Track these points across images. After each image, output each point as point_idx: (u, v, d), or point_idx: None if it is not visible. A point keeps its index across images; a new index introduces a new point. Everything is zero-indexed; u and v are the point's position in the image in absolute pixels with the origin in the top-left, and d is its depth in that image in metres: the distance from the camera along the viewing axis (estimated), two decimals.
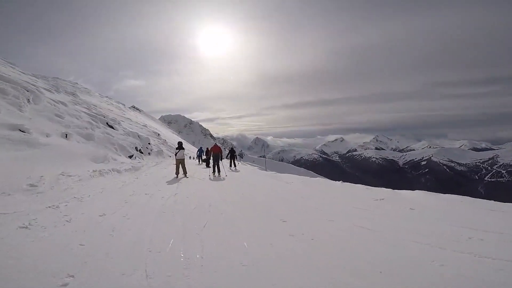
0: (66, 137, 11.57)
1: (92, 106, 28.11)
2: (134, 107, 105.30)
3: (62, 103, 16.12)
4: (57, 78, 60.63)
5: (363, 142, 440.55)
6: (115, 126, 20.37)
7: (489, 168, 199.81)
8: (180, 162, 10.88)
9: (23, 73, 17.99)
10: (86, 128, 14.61)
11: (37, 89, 14.45)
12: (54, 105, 14.39)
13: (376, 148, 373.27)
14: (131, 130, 23.64)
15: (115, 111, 48.96)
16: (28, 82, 14.67)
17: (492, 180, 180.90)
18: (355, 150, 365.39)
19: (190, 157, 32.46)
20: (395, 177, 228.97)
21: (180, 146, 11.27)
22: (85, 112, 17.91)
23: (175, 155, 11.00)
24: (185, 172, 10.89)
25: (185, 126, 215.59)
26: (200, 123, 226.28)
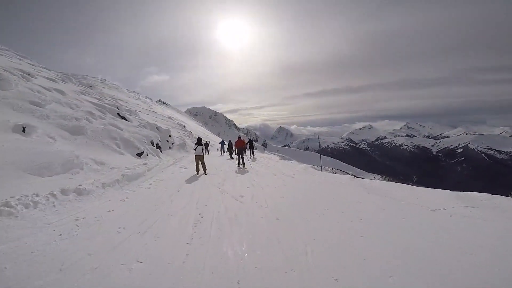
0: (24, 130, 8.51)
1: (107, 96, 27.01)
2: (161, 101, 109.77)
3: (59, 91, 14.78)
4: (87, 75, 62.19)
5: (393, 129, 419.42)
6: (129, 117, 18.34)
7: None
8: (200, 159, 10.60)
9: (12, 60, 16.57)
10: (77, 119, 12.11)
11: (11, 74, 12.75)
12: (37, 92, 12.59)
13: (407, 136, 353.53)
14: (149, 121, 21.23)
15: (143, 105, 51.22)
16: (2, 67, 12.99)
17: None
18: (385, 138, 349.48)
19: (217, 149, 32.66)
20: (428, 165, 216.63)
21: (199, 142, 11.13)
22: (91, 102, 16.13)
23: (195, 150, 10.80)
24: (204, 169, 10.62)
25: (210, 117, 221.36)
26: (224, 114, 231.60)
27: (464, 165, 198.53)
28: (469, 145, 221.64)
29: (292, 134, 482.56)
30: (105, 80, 67.98)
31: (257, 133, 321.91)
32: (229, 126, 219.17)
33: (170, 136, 21.56)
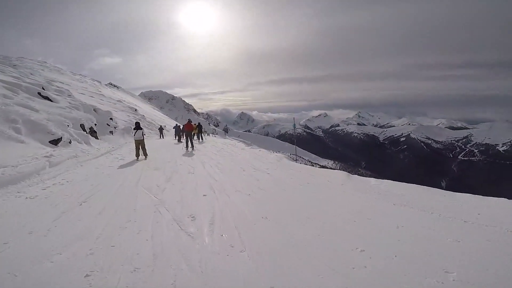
0: None
1: (39, 78, 22.96)
2: (111, 84, 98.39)
3: None
4: (23, 58, 53.76)
5: (346, 118, 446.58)
6: (55, 97, 15.04)
7: (462, 146, 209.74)
8: (139, 143, 10.43)
9: None
10: None
11: None
12: None
13: (358, 124, 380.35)
14: (84, 102, 18.20)
15: (89, 88, 44.98)
16: None
17: (465, 158, 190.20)
18: (338, 125, 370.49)
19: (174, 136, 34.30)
20: (375, 152, 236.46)
21: (137, 126, 10.76)
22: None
23: (134, 136, 10.54)
24: (145, 154, 10.50)
25: (167, 102, 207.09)
26: (183, 99, 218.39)
27: (406, 152, 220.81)
28: (410, 134, 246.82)
29: (253, 120, 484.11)
30: (45, 62, 59.59)
31: (218, 118, 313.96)
32: (188, 110, 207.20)
33: (111, 119, 18.63)
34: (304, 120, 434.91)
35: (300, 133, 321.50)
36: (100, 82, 70.46)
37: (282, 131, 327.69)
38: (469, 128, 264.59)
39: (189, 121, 15.05)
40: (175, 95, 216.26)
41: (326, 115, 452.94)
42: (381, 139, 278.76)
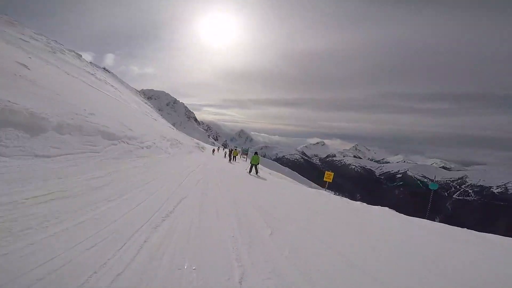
0: None
1: None
2: (105, 69, 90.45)
3: None
4: None
5: (343, 149, 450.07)
6: None
7: (457, 186, 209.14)
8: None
9: None
10: None
11: None
12: None
13: (355, 156, 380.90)
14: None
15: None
16: None
17: (460, 198, 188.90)
18: (335, 156, 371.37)
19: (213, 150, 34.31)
20: (371, 186, 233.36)
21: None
22: None
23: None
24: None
25: (168, 104, 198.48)
26: (185, 105, 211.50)
27: (401, 189, 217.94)
28: (407, 172, 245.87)
29: (251, 139, 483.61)
30: None
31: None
32: (189, 118, 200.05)
33: None
34: (301, 147, 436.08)
35: (297, 159, 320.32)
36: (80, 56, 60.30)
37: (280, 155, 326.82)
38: (462, 170, 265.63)
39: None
40: (177, 99, 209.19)
41: (324, 143, 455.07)
42: (377, 173, 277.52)
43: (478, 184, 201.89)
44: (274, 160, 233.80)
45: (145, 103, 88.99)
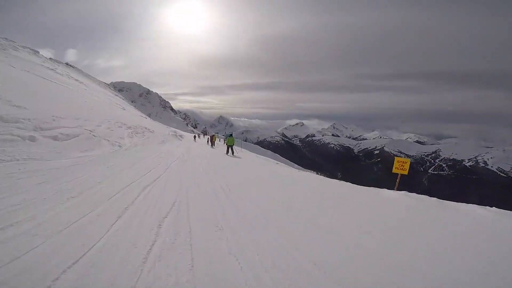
0: None
1: None
2: (67, 64, 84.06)
3: None
4: None
5: (321, 128, 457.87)
6: None
7: (432, 161, 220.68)
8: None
9: None
10: None
11: None
12: None
13: (333, 135, 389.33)
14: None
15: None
16: None
17: (435, 172, 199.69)
18: (314, 136, 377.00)
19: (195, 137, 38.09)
20: (350, 164, 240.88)
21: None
22: None
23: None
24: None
25: (141, 95, 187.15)
26: (160, 94, 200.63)
27: (379, 165, 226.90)
28: (384, 147, 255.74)
29: (232, 124, 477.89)
30: None
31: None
32: (164, 107, 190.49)
33: None
34: (281, 128, 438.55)
35: (278, 141, 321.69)
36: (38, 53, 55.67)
37: (261, 138, 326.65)
38: (435, 144, 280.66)
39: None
40: (151, 90, 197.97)
41: (303, 124, 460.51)
42: (356, 151, 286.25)
43: (451, 157, 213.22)
44: (255, 143, 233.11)
45: (116, 95, 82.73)
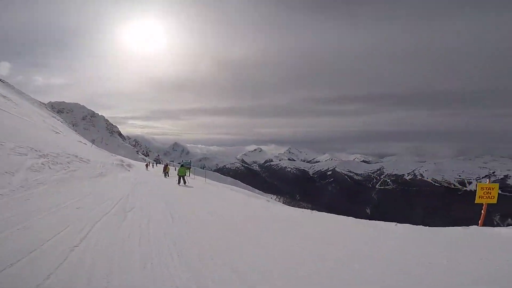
0: None
1: None
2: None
3: None
4: None
5: (278, 153, 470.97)
6: None
7: (378, 177, 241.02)
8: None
9: None
10: None
11: None
12: None
13: (289, 159, 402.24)
14: None
15: None
16: None
17: (381, 187, 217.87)
18: (272, 161, 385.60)
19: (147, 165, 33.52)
20: (307, 185, 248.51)
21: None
22: None
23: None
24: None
25: (84, 118, 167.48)
26: (106, 118, 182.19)
27: (333, 185, 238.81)
28: (336, 168, 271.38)
29: (188, 152, 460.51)
30: None
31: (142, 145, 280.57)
32: (111, 133, 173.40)
33: None
34: (240, 155, 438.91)
35: (238, 168, 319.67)
36: None
37: (220, 165, 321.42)
38: (379, 162, 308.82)
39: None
40: (96, 112, 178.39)
41: (261, 150, 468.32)
42: (311, 173, 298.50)
43: (394, 173, 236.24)
44: (215, 171, 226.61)
45: (53, 116, 71.83)
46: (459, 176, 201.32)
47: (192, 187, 15.67)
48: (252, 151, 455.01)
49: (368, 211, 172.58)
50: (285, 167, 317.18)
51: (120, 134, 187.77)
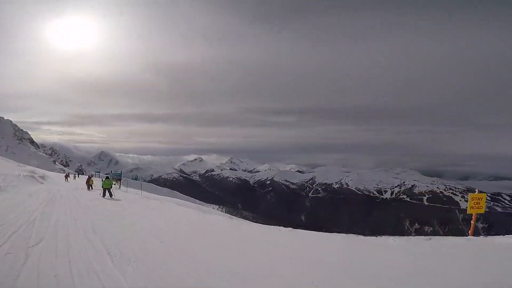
0: None
1: None
2: None
3: None
4: None
5: (220, 163, 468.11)
6: None
7: (310, 186, 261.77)
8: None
9: None
10: None
11: None
12: None
13: (231, 169, 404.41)
14: None
15: None
16: None
17: (314, 195, 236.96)
18: (213, 170, 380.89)
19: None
20: (248, 195, 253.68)
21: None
22: None
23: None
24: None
25: None
26: (15, 122, 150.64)
27: (272, 193, 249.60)
28: (274, 178, 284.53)
29: (117, 162, 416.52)
30: None
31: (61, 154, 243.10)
32: (20, 140, 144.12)
33: None
34: (179, 164, 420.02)
35: (176, 178, 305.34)
36: None
37: (156, 175, 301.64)
38: (311, 172, 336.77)
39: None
40: (1, 116, 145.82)
41: (202, 159, 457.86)
42: (251, 182, 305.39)
43: (324, 182, 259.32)
44: (149, 181, 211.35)
45: None
46: (377, 185, 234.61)
47: (120, 200, 14.16)
48: (191, 161, 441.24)
49: (303, 218, 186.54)
50: (227, 177, 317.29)
51: (32, 142, 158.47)
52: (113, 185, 17.86)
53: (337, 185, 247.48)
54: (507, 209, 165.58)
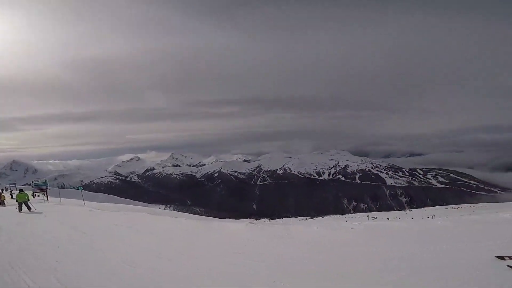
0: None
1: None
2: None
3: None
4: None
5: (161, 160, 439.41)
6: None
7: (257, 174, 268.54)
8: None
9: None
10: None
11: None
12: None
13: (174, 165, 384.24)
14: None
15: None
16: None
17: (261, 183, 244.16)
18: (154, 169, 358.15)
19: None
20: (196, 190, 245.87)
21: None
22: None
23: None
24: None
25: None
26: None
27: (221, 186, 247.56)
28: (222, 170, 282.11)
29: (35, 170, 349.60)
30: None
31: None
32: None
33: None
34: (112, 166, 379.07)
35: (112, 181, 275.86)
36: None
37: (86, 181, 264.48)
38: (257, 160, 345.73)
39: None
40: None
41: (139, 158, 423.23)
42: (198, 177, 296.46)
43: (269, 169, 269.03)
44: (80, 188, 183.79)
45: None
46: (316, 167, 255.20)
47: (42, 213, 13.47)
48: (127, 161, 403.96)
49: (254, 206, 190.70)
50: (170, 174, 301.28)
51: None
52: (39, 197, 16.13)
53: (281, 171, 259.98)
54: (422, 183, 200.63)
